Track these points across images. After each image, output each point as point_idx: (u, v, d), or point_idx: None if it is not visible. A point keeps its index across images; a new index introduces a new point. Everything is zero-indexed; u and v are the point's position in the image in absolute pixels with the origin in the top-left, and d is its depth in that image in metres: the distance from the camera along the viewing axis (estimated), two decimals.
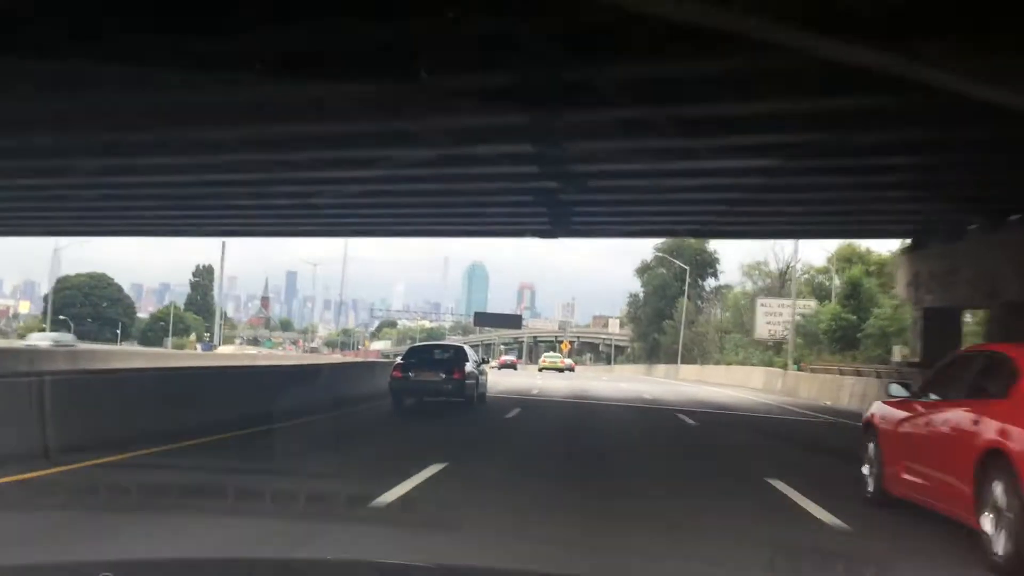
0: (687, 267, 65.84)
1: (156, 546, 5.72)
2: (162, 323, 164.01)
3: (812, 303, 48.44)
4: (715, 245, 77.18)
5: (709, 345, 60.03)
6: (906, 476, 7.65)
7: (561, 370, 58.20)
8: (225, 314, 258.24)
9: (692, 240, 75.96)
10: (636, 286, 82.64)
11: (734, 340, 51.44)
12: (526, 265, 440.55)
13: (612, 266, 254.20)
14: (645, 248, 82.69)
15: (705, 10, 7.50)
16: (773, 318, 47.72)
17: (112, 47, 10.16)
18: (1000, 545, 5.90)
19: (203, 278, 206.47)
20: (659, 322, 73.36)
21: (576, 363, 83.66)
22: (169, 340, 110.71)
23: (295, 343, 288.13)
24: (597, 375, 60.77)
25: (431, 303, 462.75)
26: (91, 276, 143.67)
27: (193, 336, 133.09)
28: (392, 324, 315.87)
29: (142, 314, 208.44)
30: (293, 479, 8.57)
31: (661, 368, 68.55)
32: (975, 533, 6.24)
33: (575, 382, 39.78)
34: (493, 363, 61.45)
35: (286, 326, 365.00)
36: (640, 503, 8.58)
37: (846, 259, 47.34)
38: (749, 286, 60.28)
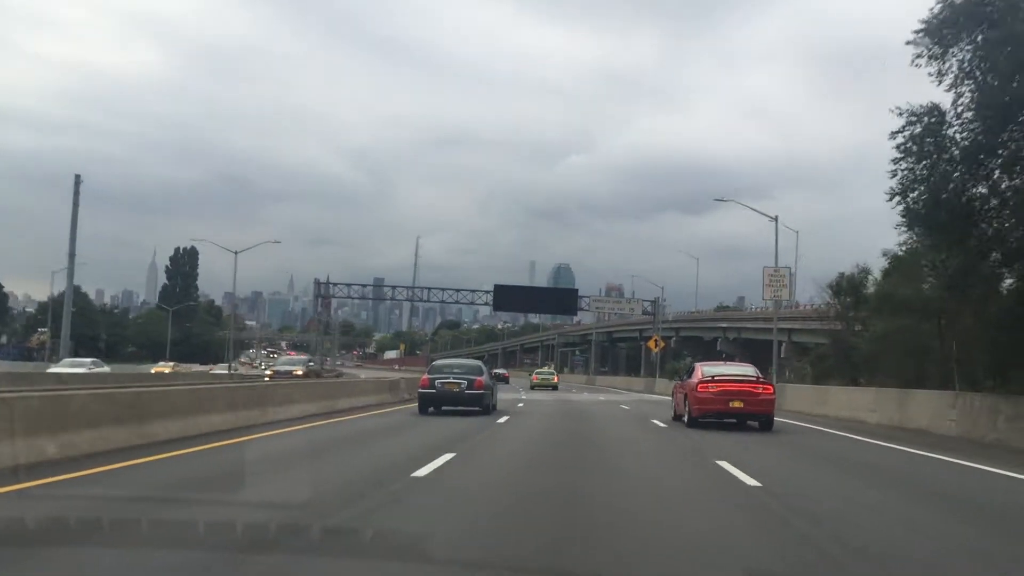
0: None
1: None
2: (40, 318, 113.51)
3: None
4: None
5: None
6: (677, 406, 22.33)
7: (555, 387, 59.94)
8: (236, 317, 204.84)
9: None
10: None
11: None
12: (615, 267, 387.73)
13: (707, 270, 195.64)
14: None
15: None
16: None
17: None
18: (686, 418, 20.63)
19: (183, 264, 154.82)
20: None
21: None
22: None
23: (352, 350, 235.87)
24: None
25: None
26: None
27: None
28: (456, 326, 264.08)
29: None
30: None
31: None
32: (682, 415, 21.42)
33: None
34: None
35: (346, 330, 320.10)
36: None
37: None
38: None
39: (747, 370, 21.33)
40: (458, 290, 73.08)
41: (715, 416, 19.57)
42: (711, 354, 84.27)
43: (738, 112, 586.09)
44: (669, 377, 58.24)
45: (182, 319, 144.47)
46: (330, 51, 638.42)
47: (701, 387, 19.61)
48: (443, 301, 73.20)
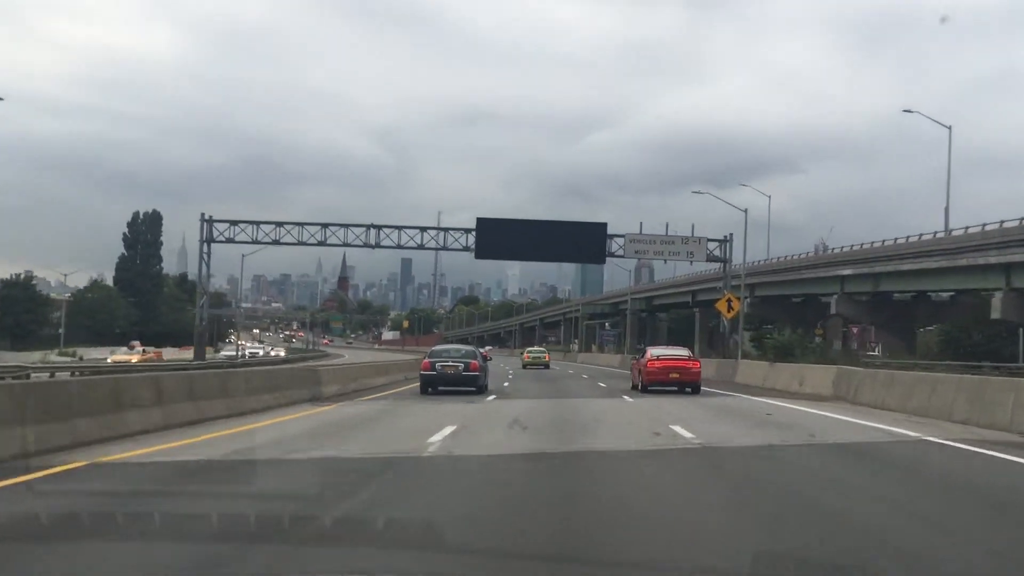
0: None
1: None
2: None
3: None
4: None
5: None
6: (634, 378, 28.05)
7: (546, 365, 53.02)
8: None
9: None
10: None
11: None
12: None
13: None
14: None
15: None
16: None
17: None
18: (636, 383, 27.36)
19: (143, 232, 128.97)
20: None
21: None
22: None
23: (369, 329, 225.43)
24: None
25: (546, 285, 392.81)
26: None
27: None
28: (473, 301, 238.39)
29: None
30: None
31: None
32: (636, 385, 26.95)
33: None
34: None
35: (364, 307, 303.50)
36: None
37: None
38: None
39: (681, 351, 28.15)
40: (423, 228, 46.61)
41: (660, 384, 25.46)
42: (805, 318, 57.54)
43: (765, 83, 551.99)
44: (778, 357, 32.77)
45: (142, 296, 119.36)
46: (348, 29, 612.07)
47: (650, 364, 25.99)
48: (400, 246, 46.71)
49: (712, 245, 46.23)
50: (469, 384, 23.35)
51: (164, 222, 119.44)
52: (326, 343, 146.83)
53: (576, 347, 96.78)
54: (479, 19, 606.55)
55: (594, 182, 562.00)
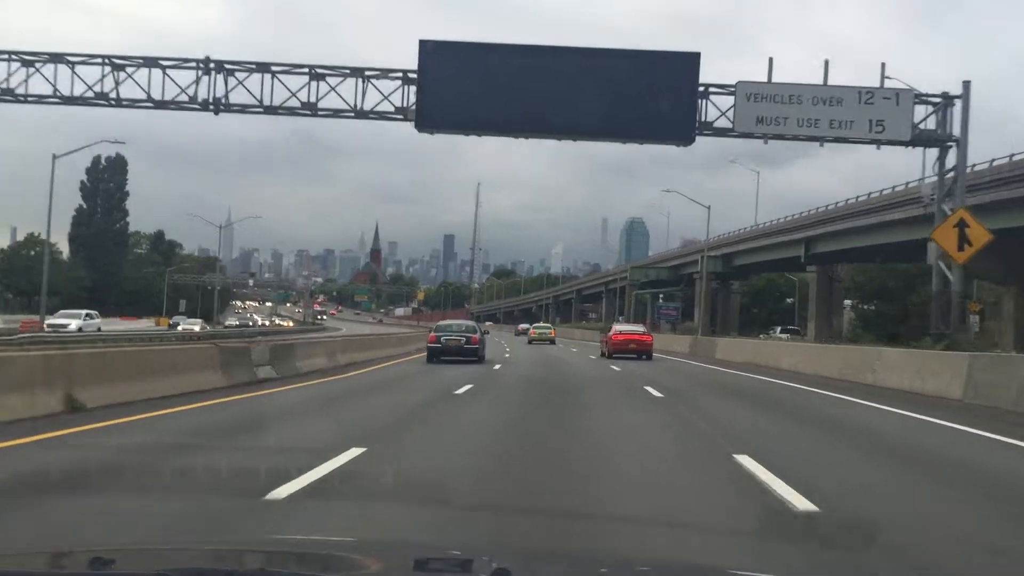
0: None
1: None
2: None
3: None
4: None
5: None
6: (602, 347, 34.63)
7: (553, 341, 53.00)
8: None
9: None
10: None
11: None
12: (689, 219, 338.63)
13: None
14: None
15: None
16: None
17: None
18: (604, 351, 33.60)
19: (104, 180, 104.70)
20: None
21: None
22: None
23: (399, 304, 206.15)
24: None
25: (590, 264, 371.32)
26: None
27: None
28: (508, 274, 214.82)
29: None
30: None
31: None
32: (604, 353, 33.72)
33: None
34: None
35: (395, 280, 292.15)
36: None
37: None
38: None
39: (638, 327, 36.34)
40: (318, 74, 22.26)
41: (621, 352, 31.16)
42: None
43: (815, 53, 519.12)
44: None
45: (104, 256, 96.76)
46: None
47: (615, 336, 32.77)
48: (271, 109, 22.60)
49: (919, 111, 21.30)
50: (470, 355, 25.00)
51: (215, 197, 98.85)
52: (333, 314, 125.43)
53: (547, 323, 72.07)
54: None
55: (642, 159, 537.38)
